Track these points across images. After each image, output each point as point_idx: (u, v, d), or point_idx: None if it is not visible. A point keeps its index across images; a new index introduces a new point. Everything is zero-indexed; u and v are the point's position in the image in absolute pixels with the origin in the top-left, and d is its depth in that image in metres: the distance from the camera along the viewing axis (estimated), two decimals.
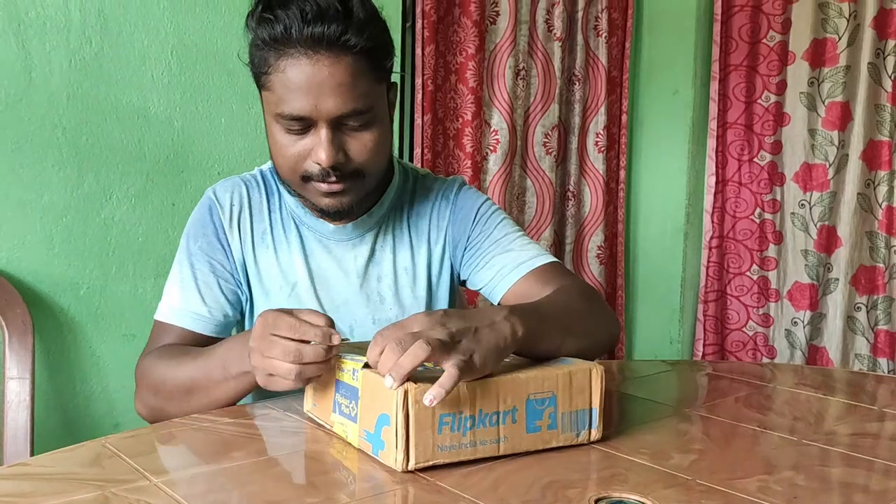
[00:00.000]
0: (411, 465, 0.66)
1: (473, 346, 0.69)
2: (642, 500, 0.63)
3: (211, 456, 0.73)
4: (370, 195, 1.00)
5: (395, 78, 0.99)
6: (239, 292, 1.03)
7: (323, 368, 0.76)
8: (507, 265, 1.03)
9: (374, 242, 1.06)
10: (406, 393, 0.65)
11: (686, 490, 0.65)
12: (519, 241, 1.06)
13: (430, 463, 0.67)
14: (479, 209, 1.08)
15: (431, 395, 0.65)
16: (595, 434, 0.76)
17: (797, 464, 0.73)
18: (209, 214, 1.03)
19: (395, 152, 1.87)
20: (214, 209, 1.03)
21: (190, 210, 1.53)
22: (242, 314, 1.06)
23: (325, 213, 0.98)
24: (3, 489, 0.64)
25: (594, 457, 0.73)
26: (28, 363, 1.33)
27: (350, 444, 0.74)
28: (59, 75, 1.40)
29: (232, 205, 1.03)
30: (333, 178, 0.91)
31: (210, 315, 1.00)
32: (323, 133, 0.89)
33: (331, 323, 0.76)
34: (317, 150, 0.89)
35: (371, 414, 0.70)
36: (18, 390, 1.32)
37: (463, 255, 1.08)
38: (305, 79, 0.86)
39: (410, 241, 1.07)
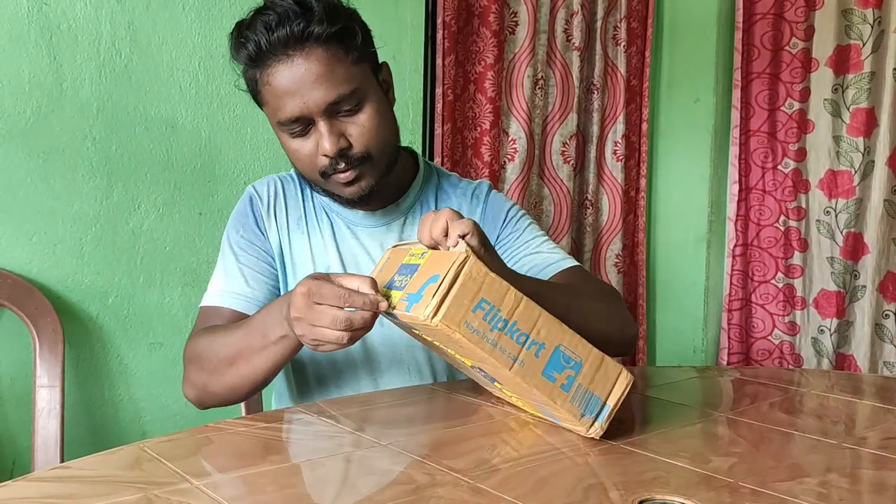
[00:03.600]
0: (436, 321, 0.67)
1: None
2: (687, 502, 0.62)
3: (250, 459, 0.73)
4: (390, 178, 1.04)
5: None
6: (278, 276, 1.09)
7: (369, 329, 0.78)
8: (538, 265, 1.07)
9: (402, 231, 1.10)
10: (466, 259, 0.68)
11: (730, 492, 0.64)
12: (546, 245, 1.11)
13: (453, 330, 0.68)
14: (508, 211, 1.15)
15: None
16: (598, 430, 0.74)
17: (838, 466, 0.72)
18: (250, 206, 1.09)
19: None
20: (255, 200, 1.09)
21: (217, 220, 1.56)
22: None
23: (352, 203, 1.03)
24: (47, 491, 0.64)
25: (632, 459, 0.72)
26: (58, 371, 1.34)
27: (390, 311, 0.76)
28: (90, 86, 1.42)
29: (269, 195, 1.10)
30: (343, 166, 0.96)
31: (253, 295, 1.04)
32: (321, 126, 0.94)
33: (375, 286, 0.77)
34: (321, 143, 0.95)
35: (421, 279, 0.72)
36: (49, 398, 1.33)
37: None
38: (287, 81, 0.92)
39: None
